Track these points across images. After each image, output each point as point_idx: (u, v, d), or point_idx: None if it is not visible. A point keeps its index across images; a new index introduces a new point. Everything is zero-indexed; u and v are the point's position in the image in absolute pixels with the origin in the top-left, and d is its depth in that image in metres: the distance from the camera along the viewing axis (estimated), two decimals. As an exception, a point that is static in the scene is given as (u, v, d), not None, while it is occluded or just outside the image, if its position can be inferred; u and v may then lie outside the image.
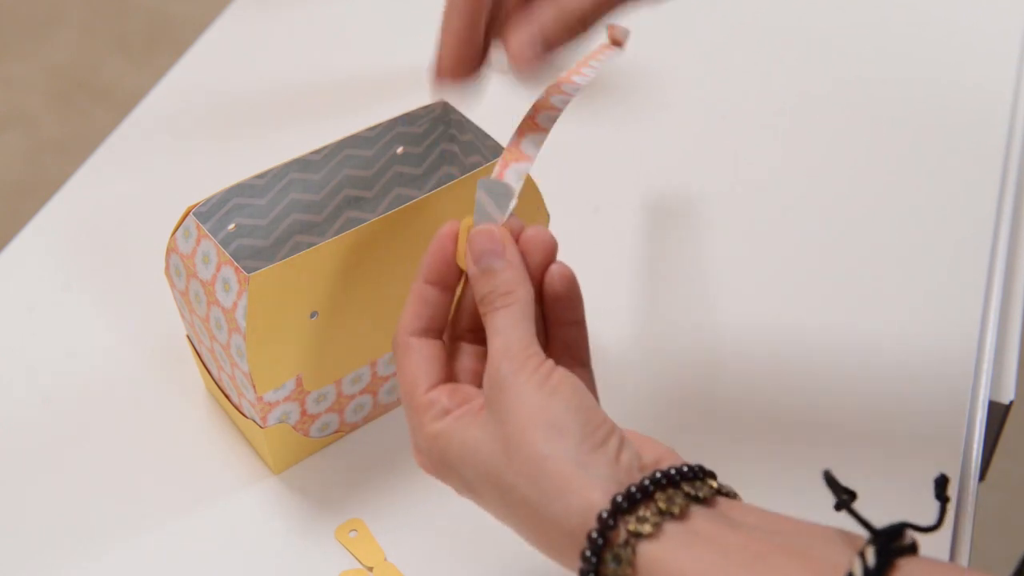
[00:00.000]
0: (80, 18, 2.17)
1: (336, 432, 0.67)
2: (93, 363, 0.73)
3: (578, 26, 0.52)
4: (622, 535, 0.42)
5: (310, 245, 0.66)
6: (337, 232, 0.71)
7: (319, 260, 0.59)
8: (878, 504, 0.65)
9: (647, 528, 0.42)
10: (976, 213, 0.83)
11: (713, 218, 0.83)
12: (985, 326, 0.76)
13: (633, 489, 0.43)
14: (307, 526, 0.64)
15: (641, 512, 0.43)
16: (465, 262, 0.50)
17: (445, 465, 0.48)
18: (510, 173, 0.52)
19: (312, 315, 0.60)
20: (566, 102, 0.57)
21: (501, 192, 0.50)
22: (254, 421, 0.63)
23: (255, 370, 0.59)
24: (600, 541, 0.42)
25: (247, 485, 0.66)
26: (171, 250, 0.63)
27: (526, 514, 0.45)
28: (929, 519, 0.64)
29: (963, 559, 0.63)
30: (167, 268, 0.64)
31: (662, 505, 0.43)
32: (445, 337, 0.52)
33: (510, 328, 0.48)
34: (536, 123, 0.55)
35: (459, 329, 0.52)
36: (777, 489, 0.66)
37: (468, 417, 0.47)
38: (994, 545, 1.47)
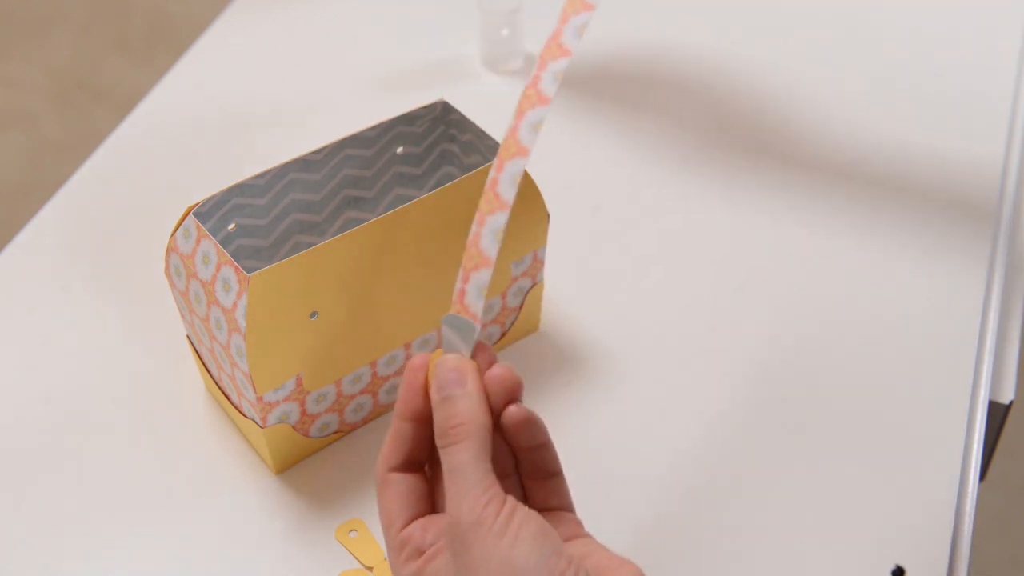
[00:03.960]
0: (80, 18, 2.17)
1: (336, 432, 0.67)
2: (93, 363, 0.73)
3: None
4: None
5: (310, 245, 0.66)
6: (337, 232, 0.71)
7: (319, 260, 0.59)
8: (879, 505, 0.65)
9: None
10: (976, 213, 0.83)
11: (713, 217, 0.83)
12: (985, 326, 0.76)
13: None
14: (307, 526, 0.64)
15: None
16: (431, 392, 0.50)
17: None
18: (471, 289, 0.50)
19: (312, 315, 0.60)
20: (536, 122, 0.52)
21: (464, 327, 0.50)
22: (254, 421, 0.63)
23: (255, 370, 0.59)
24: None
25: (247, 485, 0.66)
26: (171, 250, 0.63)
27: None
28: (928, 520, 0.64)
29: (963, 559, 0.63)
30: (167, 268, 0.64)
31: None
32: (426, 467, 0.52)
33: (467, 466, 0.47)
34: (498, 195, 0.51)
35: (437, 454, 0.50)
36: (778, 486, 0.66)
37: (439, 561, 0.47)
38: (994, 545, 1.47)
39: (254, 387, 0.60)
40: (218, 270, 0.59)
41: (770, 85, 0.96)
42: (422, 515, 0.49)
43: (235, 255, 0.67)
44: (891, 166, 0.88)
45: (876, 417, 0.69)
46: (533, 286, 0.72)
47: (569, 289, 0.77)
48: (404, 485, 0.49)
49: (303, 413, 0.64)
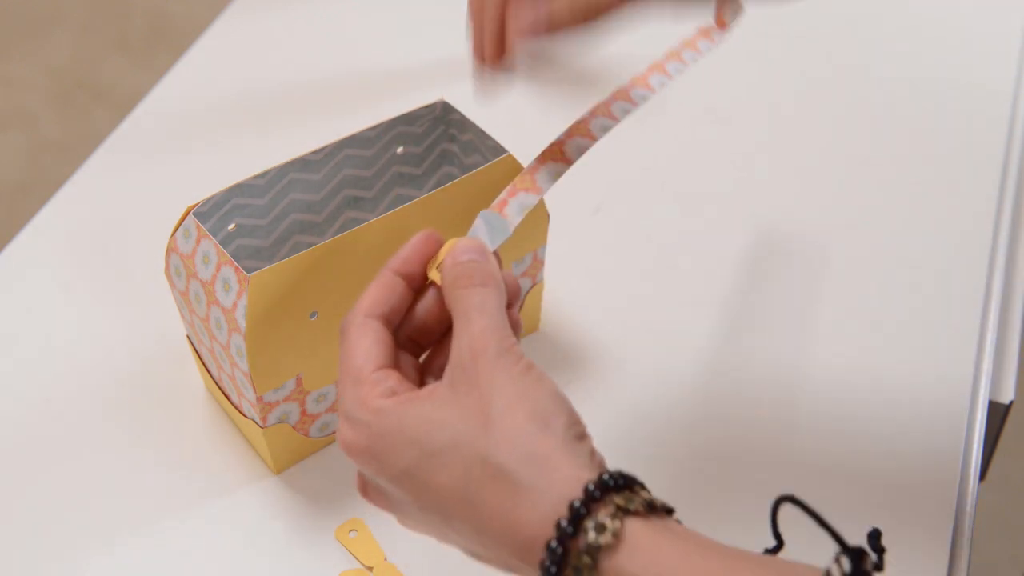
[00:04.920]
0: (80, 18, 2.17)
1: (336, 432, 0.67)
2: (93, 363, 0.73)
3: (587, 14, 0.52)
4: (610, 508, 0.41)
5: (310, 245, 0.66)
6: (337, 232, 0.71)
7: (319, 260, 0.59)
8: (879, 505, 0.65)
9: (635, 504, 0.41)
10: (976, 213, 0.83)
11: (712, 217, 0.83)
12: (985, 326, 0.76)
13: (617, 473, 0.42)
14: (307, 526, 0.64)
15: (627, 494, 0.42)
16: (435, 272, 0.50)
17: (385, 443, 0.45)
18: (514, 204, 0.52)
19: (312, 315, 0.60)
20: (627, 111, 0.57)
21: (498, 227, 0.51)
22: (254, 421, 0.63)
23: (255, 370, 0.59)
24: (584, 511, 0.41)
25: (247, 485, 0.66)
26: (171, 250, 0.63)
27: (497, 489, 0.42)
28: (927, 523, 0.64)
29: (963, 559, 0.63)
30: (167, 268, 0.64)
31: (646, 495, 0.42)
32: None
33: (492, 309, 0.46)
34: (563, 152, 0.54)
35: (403, 336, 0.50)
36: (780, 486, 0.66)
37: (424, 399, 0.45)
38: (994, 545, 1.47)
39: (254, 387, 0.60)
40: (218, 270, 0.59)
41: (769, 84, 0.96)
42: (395, 369, 0.47)
43: (235, 255, 0.67)
44: (890, 165, 0.88)
45: (876, 417, 0.69)
46: (533, 286, 0.72)
47: (569, 289, 0.77)
48: (384, 334, 0.48)
49: (303, 413, 0.64)
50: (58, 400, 0.71)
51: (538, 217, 0.68)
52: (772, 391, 0.71)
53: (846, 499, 0.65)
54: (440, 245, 0.50)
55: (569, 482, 0.42)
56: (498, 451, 0.43)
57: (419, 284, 0.50)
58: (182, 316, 0.66)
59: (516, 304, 0.50)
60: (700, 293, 0.78)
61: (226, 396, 0.66)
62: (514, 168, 0.65)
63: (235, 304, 0.58)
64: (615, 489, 0.42)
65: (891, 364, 0.72)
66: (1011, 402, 0.74)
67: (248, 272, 0.57)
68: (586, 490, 0.41)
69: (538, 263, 0.71)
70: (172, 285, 0.64)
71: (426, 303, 0.50)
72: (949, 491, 0.65)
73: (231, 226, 0.66)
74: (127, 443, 0.68)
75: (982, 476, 0.72)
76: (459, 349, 0.45)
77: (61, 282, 0.79)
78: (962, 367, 0.72)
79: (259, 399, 0.61)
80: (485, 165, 0.64)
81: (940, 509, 0.64)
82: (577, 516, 0.41)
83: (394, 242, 0.62)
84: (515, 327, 0.48)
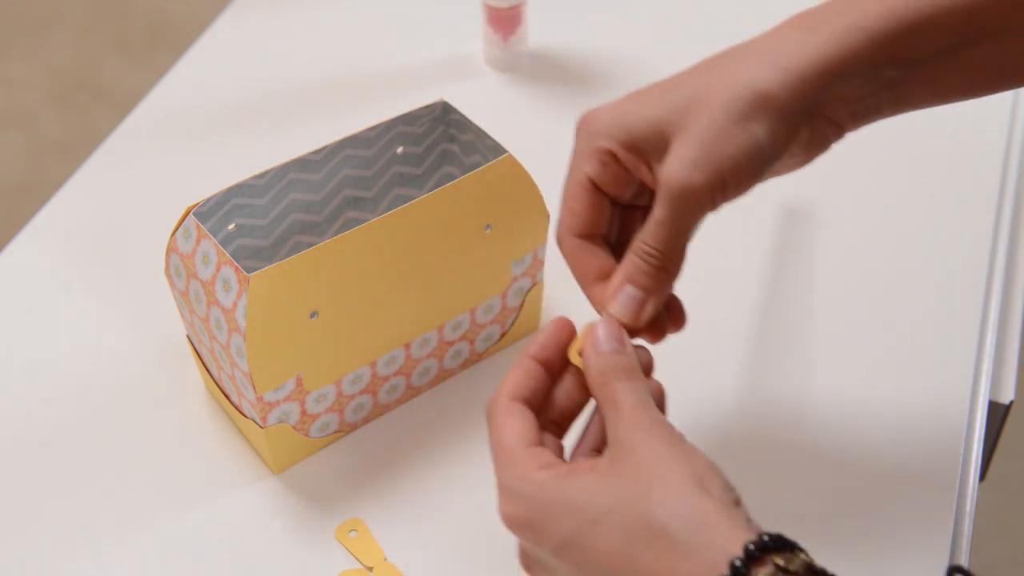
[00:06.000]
0: (80, 18, 2.17)
1: (336, 432, 0.67)
2: (93, 363, 0.73)
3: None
4: (769, 567, 0.42)
5: (310, 245, 0.66)
6: (337, 232, 0.71)
7: (319, 260, 0.59)
8: (878, 504, 0.65)
9: (795, 565, 0.42)
10: (976, 213, 0.83)
11: (714, 217, 0.83)
12: (985, 326, 0.76)
13: (776, 535, 0.43)
14: (307, 526, 0.64)
15: (787, 554, 0.43)
16: (576, 356, 0.52)
17: (546, 514, 0.47)
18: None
19: (312, 315, 0.60)
20: None
21: None
22: (254, 421, 0.63)
23: (255, 370, 0.59)
24: (744, 570, 0.42)
25: (247, 485, 0.66)
26: (171, 250, 0.63)
27: (659, 550, 0.44)
28: (928, 523, 0.64)
29: (963, 559, 0.63)
30: (167, 268, 0.64)
31: (805, 558, 0.43)
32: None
33: (640, 393, 0.49)
34: None
35: (544, 419, 0.52)
36: (779, 489, 0.66)
37: (584, 472, 0.47)
38: (994, 545, 1.47)
39: (254, 387, 0.60)
40: (218, 270, 0.59)
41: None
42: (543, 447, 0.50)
43: (235, 255, 0.67)
44: (890, 165, 0.88)
45: (876, 417, 0.69)
46: (533, 286, 0.72)
47: (569, 289, 0.77)
48: (529, 415, 0.50)
49: (303, 413, 0.64)
50: (58, 400, 0.71)
51: (538, 217, 0.68)
52: (772, 391, 0.71)
53: (846, 498, 0.65)
54: (574, 331, 0.53)
55: (729, 541, 0.43)
56: (659, 512, 0.44)
57: (556, 369, 0.53)
58: (182, 316, 0.66)
59: (651, 372, 0.53)
60: (700, 292, 0.78)
61: (226, 396, 0.66)
62: (514, 168, 0.65)
63: (235, 304, 0.58)
64: (775, 549, 0.43)
65: (891, 364, 0.72)
66: (1011, 402, 0.74)
67: (248, 272, 0.57)
68: (746, 549, 0.42)
69: (538, 263, 0.71)
70: (172, 285, 0.64)
71: (565, 387, 0.53)
72: (949, 491, 0.65)
73: (231, 226, 0.66)
74: (127, 443, 0.68)
75: (982, 476, 0.72)
76: (614, 430, 0.48)
77: (61, 282, 0.79)
78: (962, 367, 0.72)
79: (259, 399, 0.61)
80: (485, 165, 0.64)
81: (940, 509, 0.64)
82: (737, 574, 0.42)
83: (394, 242, 0.62)
84: None
